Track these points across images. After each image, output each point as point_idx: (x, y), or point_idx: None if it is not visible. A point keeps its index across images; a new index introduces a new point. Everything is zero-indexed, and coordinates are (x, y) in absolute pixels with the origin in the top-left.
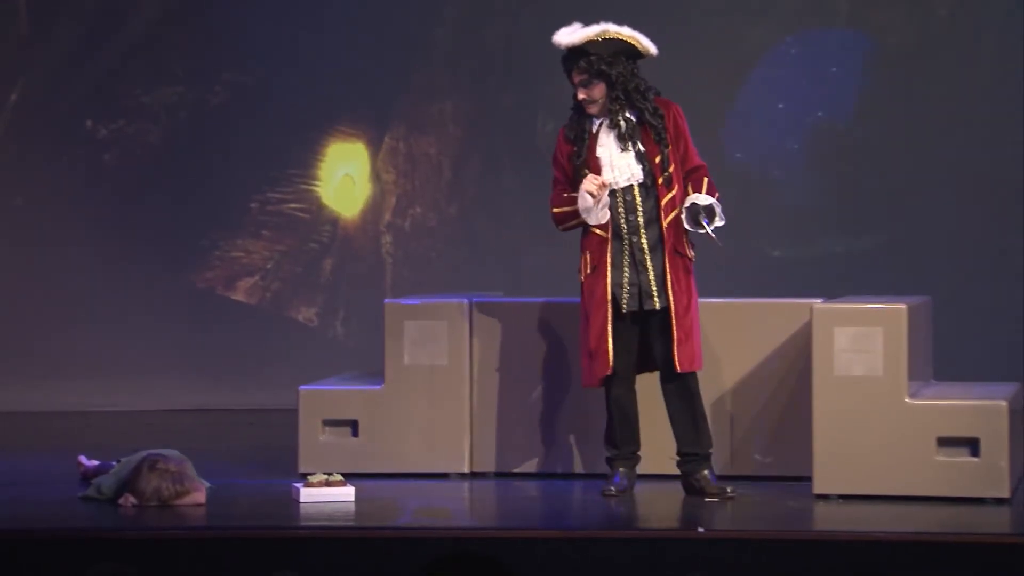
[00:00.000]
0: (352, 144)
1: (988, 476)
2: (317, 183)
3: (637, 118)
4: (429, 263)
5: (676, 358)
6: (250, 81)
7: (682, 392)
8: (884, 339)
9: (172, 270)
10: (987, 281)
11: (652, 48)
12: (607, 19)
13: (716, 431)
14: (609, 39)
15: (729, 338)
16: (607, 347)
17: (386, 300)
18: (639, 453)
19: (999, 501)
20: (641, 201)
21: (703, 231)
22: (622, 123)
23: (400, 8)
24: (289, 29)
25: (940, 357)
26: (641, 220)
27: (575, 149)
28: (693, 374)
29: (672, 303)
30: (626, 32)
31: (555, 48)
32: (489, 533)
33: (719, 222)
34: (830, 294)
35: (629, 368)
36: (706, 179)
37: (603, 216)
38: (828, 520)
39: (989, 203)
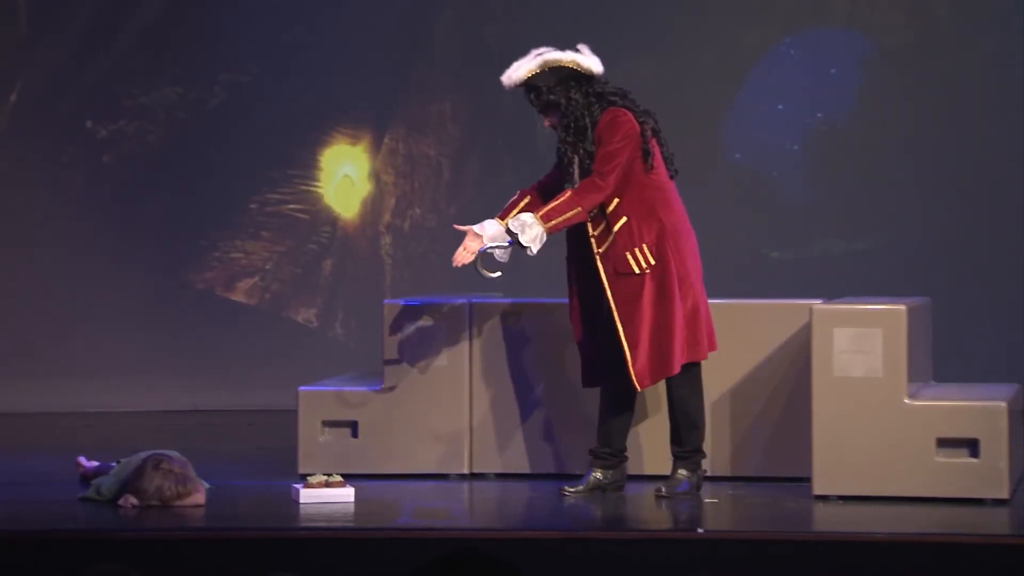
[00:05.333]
0: (351, 145)
1: (987, 477)
2: (316, 184)
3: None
4: (429, 264)
5: (632, 375)
6: (249, 82)
7: (669, 389)
8: (883, 340)
9: (172, 270)
10: (987, 281)
11: (595, 67)
12: (607, 19)
13: (716, 431)
14: (551, 69)
15: (728, 339)
16: (582, 360)
17: (385, 301)
18: (614, 456)
19: (998, 502)
20: (589, 231)
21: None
22: (564, 160)
23: (399, 8)
24: (288, 30)
25: (940, 357)
26: (590, 249)
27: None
28: (677, 377)
29: (619, 325)
30: (566, 58)
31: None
32: (489, 534)
33: (500, 256)
34: (829, 295)
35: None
36: (558, 203)
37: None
38: (827, 521)
39: (989, 203)
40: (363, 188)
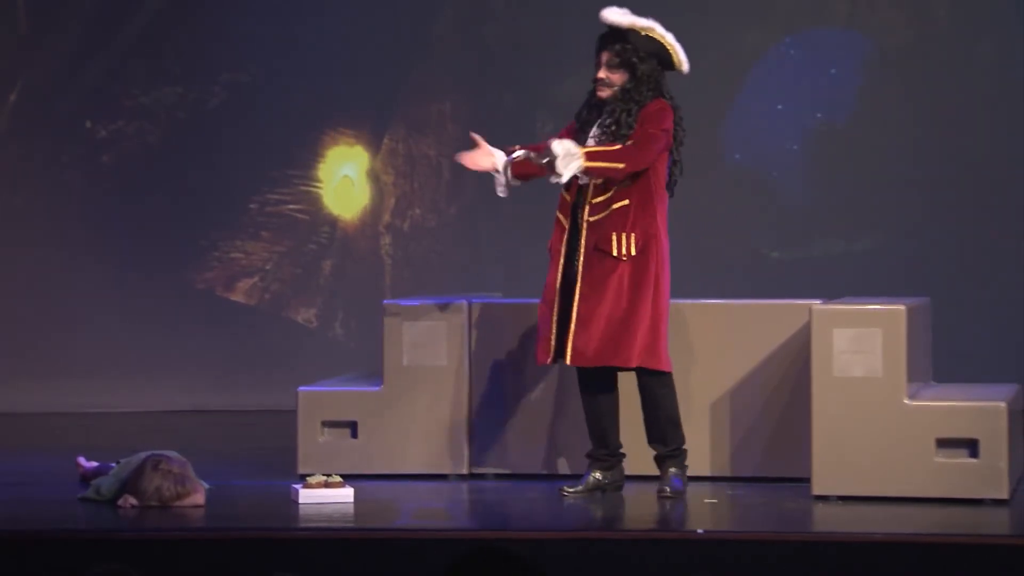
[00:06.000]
0: (351, 145)
1: (987, 477)
2: (316, 184)
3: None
4: (428, 264)
5: (568, 348)
6: (249, 82)
7: (644, 391)
8: (883, 340)
9: (172, 270)
10: (987, 281)
11: (685, 65)
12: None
13: (716, 431)
14: (651, 37)
15: (728, 339)
16: (547, 334)
17: (385, 301)
18: (612, 456)
19: (998, 502)
20: (589, 196)
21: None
22: (609, 124)
23: (399, 8)
24: (288, 29)
25: (940, 357)
26: (581, 213)
27: (577, 133)
28: (658, 375)
29: (576, 295)
30: (669, 39)
31: (553, 48)
32: (488, 534)
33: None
34: (829, 295)
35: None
36: (606, 149)
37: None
38: (827, 521)
39: (989, 203)
40: (363, 188)
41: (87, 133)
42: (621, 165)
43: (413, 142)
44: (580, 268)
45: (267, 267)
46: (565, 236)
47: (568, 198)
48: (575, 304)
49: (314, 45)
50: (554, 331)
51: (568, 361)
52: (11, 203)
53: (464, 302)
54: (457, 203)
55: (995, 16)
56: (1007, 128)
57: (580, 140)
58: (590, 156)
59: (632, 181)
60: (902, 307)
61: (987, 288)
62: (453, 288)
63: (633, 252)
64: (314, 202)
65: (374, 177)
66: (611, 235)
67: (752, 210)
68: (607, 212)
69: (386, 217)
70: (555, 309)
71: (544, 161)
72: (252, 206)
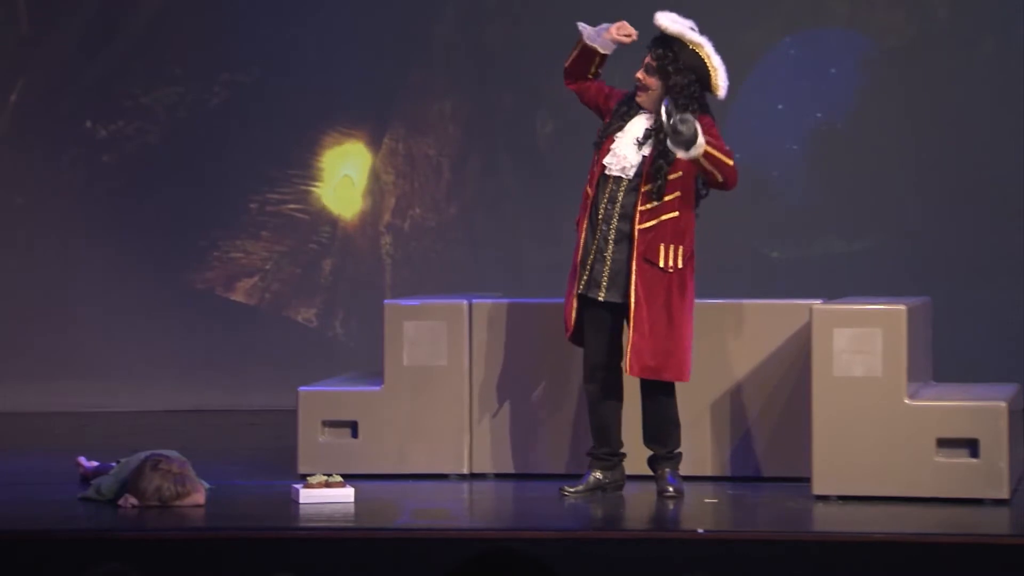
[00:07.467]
0: (351, 145)
1: (987, 477)
2: (316, 184)
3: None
4: (428, 264)
5: (627, 360)
6: (249, 81)
7: (649, 394)
8: (883, 340)
9: (172, 270)
10: (987, 281)
11: (722, 89)
12: (607, 19)
13: (716, 431)
14: (696, 53)
15: (728, 339)
16: (569, 310)
17: (385, 301)
18: (614, 455)
19: (998, 502)
20: (623, 196)
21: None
22: (650, 127)
23: (399, 8)
24: (288, 29)
25: (940, 357)
26: (616, 212)
27: (614, 114)
28: (665, 386)
29: (632, 304)
30: (714, 60)
31: (553, 48)
32: (488, 534)
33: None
34: (829, 295)
35: (602, 365)
36: (721, 154)
37: (602, 44)
38: (827, 521)
39: (988, 203)
40: (363, 188)
41: (87, 133)
42: (731, 163)
43: (413, 142)
44: (633, 277)
45: (267, 267)
46: (587, 224)
47: (596, 170)
48: (631, 313)
49: (314, 44)
50: (574, 317)
51: (628, 372)
52: (11, 203)
53: (464, 302)
54: (457, 203)
55: (995, 16)
56: (1007, 128)
57: (611, 130)
58: (708, 141)
59: (681, 192)
60: (902, 307)
61: (987, 288)
62: (453, 288)
63: (680, 265)
64: (314, 202)
65: (374, 177)
66: (659, 246)
67: (752, 210)
68: (656, 223)
69: (386, 217)
70: (576, 293)
71: (675, 124)
72: (252, 206)
